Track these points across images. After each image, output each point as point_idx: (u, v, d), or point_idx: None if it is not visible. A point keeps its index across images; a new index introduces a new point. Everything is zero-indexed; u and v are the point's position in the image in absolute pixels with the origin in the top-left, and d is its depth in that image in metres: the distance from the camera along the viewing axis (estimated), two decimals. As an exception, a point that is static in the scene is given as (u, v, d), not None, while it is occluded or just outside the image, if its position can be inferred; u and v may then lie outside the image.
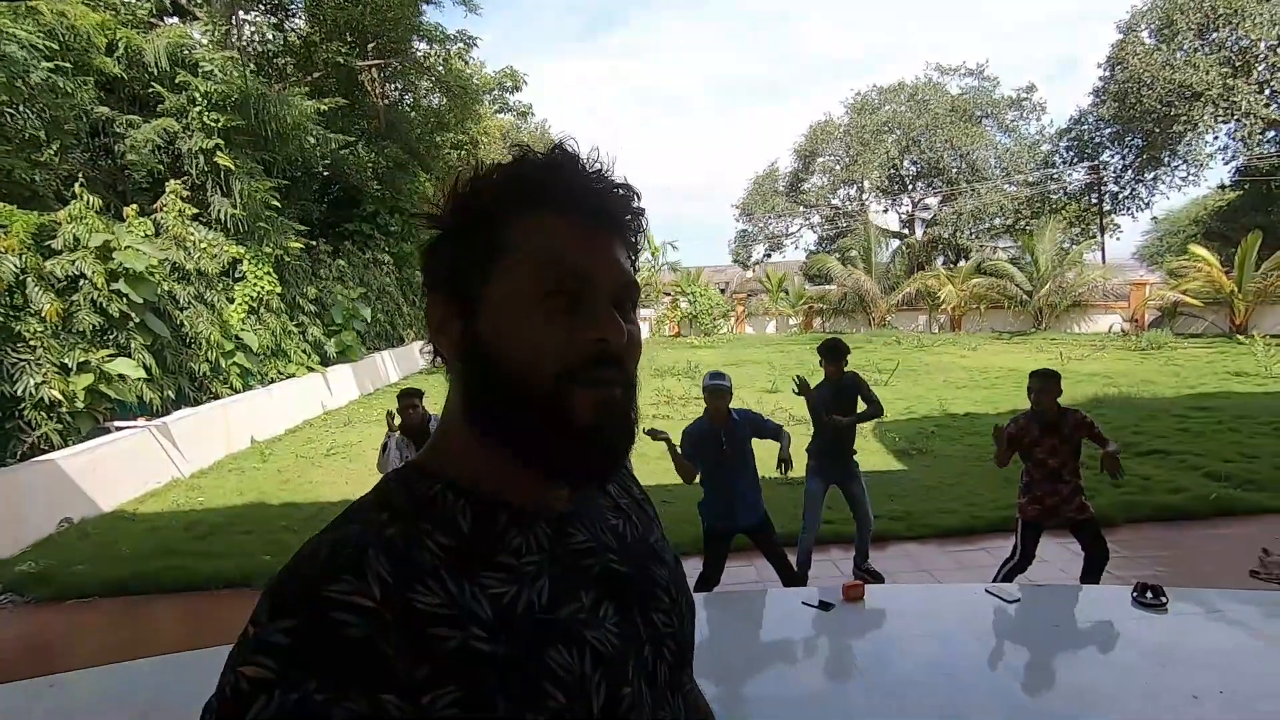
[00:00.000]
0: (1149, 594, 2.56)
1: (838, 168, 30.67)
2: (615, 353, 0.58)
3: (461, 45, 17.95)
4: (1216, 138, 23.90)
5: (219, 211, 10.87)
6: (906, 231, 30.50)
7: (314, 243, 13.66)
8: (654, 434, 3.59)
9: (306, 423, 11.23)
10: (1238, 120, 22.40)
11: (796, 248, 33.73)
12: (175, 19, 13.55)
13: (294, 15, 16.15)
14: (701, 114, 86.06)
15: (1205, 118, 22.22)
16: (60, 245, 7.94)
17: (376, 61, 16.54)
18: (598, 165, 0.61)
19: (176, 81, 10.54)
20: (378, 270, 15.84)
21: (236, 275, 11.10)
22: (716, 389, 3.73)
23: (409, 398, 4.50)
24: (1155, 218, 29.88)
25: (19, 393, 6.92)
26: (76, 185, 8.37)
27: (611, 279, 0.59)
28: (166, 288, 9.22)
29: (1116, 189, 27.16)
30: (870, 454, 7.29)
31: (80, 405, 7.42)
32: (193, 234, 10.25)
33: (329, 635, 0.47)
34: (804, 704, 2.15)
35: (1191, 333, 16.93)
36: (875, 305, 22.49)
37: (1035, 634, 2.63)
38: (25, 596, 5.08)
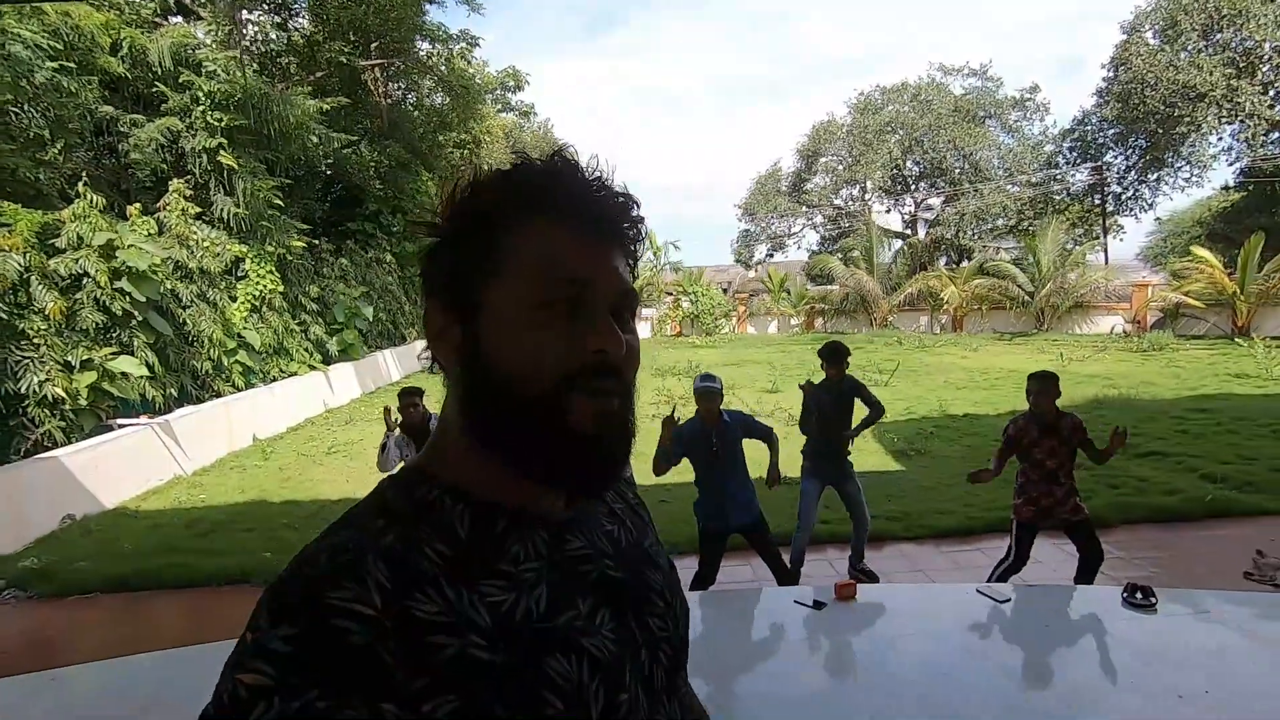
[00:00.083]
0: (1139, 594, 2.58)
1: (840, 168, 30.60)
2: (614, 363, 0.58)
3: (464, 45, 18.01)
4: (1220, 139, 23.85)
5: (222, 210, 10.94)
6: (909, 232, 30.44)
7: (316, 242, 13.72)
8: (668, 421, 3.66)
9: (308, 421, 11.28)
10: (1242, 121, 22.34)
11: (799, 248, 33.79)
12: (179, 19, 13.60)
13: (297, 15, 16.21)
14: (702, 114, 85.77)
15: (1209, 119, 22.14)
16: (64, 244, 8.00)
17: (379, 61, 16.59)
18: (597, 173, 0.61)
19: (180, 81, 10.61)
20: (380, 269, 15.89)
21: (239, 274, 11.16)
22: (707, 391, 3.76)
23: (410, 396, 4.51)
24: (1159, 219, 29.90)
25: (22, 390, 6.98)
26: (80, 184, 8.42)
27: (610, 287, 0.59)
28: (169, 286, 9.27)
29: (1120, 190, 27.05)
30: (868, 454, 7.30)
31: (83, 403, 7.47)
32: (196, 233, 10.31)
33: (330, 643, 0.47)
34: (795, 702, 2.17)
35: (1193, 334, 16.88)
36: (877, 305, 22.44)
37: (1026, 634, 2.64)
38: (28, 592, 5.13)
